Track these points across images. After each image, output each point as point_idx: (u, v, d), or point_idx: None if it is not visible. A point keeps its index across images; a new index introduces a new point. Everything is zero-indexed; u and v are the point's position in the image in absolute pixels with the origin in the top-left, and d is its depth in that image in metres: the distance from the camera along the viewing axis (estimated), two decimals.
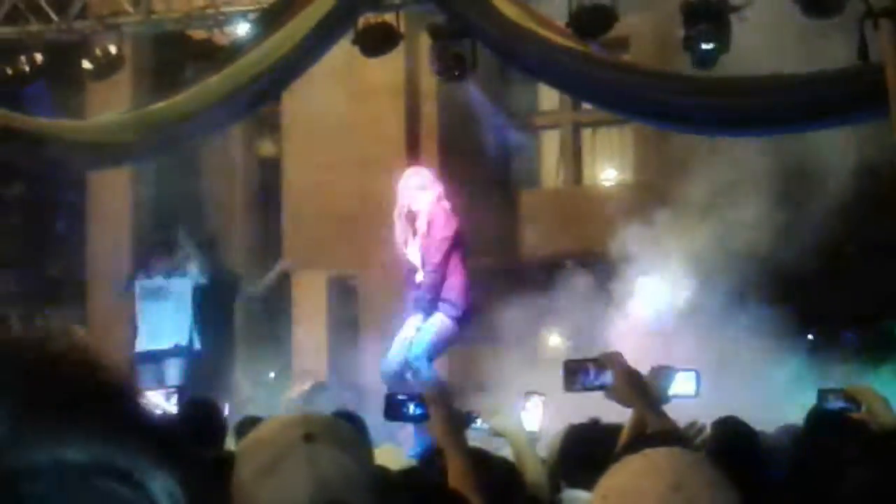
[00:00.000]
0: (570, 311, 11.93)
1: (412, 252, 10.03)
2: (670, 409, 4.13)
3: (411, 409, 4.18)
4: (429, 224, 9.87)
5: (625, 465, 2.16)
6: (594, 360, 4.11)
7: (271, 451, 2.23)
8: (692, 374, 4.47)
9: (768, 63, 10.71)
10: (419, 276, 9.94)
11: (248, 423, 5.34)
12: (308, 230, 13.90)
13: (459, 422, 4.10)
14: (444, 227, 9.85)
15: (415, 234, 9.96)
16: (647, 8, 12.53)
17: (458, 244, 9.92)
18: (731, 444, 5.44)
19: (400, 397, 4.24)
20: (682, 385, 4.39)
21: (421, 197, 9.98)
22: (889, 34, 8.73)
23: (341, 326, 13.70)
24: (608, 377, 4.04)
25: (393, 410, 4.26)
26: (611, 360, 4.08)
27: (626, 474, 2.12)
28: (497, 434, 4.43)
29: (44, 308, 14.31)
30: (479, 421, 4.57)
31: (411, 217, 10.02)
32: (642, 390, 4.04)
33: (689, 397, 4.45)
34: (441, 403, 4.05)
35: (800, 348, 11.60)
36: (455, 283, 9.82)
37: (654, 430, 3.94)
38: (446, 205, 10.00)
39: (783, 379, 10.44)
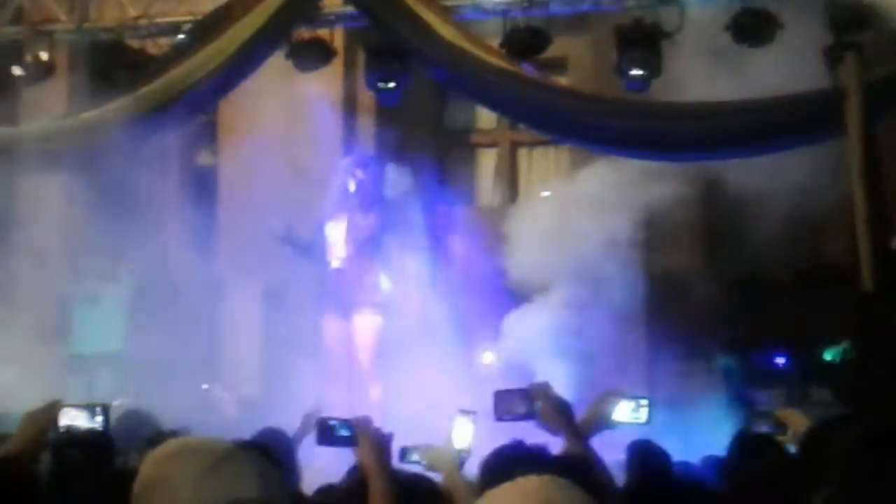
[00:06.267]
0: (505, 329, 11.89)
1: (333, 229, 10.24)
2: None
3: (339, 432, 4.21)
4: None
5: (496, 491, 2.20)
6: (523, 391, 4.30)
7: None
8: (644, 402, 4.56)
9: (702, 88, 10.75)
10: (334, 262, 10.14)
11: (159, 436, 5.27)
12: (243, 241, 13.77)
13: (385, 447, 4.13)
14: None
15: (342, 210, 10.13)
16: (585, 30, 12.53)
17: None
18: (645, 465, 5.45)
19: (331, 422, 4.29)
20: (630, 412, 4.50)
21: (358, 174, 10.30)
22: (852, 67, 8.89)
23: (275, 339, 13.56)
24: (536, 407, 4.24)
25: (323, 434, 4.30)
26: (538, 391, 4.27)
27: (495, 499, 2.16)
28: (432, 469, 4.47)
29: None
30: (415, 455, 4.62)
31: (345, 193, 10.28)
32: (568, 419, 4.22)
33: (639, 424, 4.56)
34: (368, 428, 4.12)
35: (731, 374, 11.60)
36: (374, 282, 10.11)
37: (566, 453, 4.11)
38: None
39: (712, 405, 10.44)
